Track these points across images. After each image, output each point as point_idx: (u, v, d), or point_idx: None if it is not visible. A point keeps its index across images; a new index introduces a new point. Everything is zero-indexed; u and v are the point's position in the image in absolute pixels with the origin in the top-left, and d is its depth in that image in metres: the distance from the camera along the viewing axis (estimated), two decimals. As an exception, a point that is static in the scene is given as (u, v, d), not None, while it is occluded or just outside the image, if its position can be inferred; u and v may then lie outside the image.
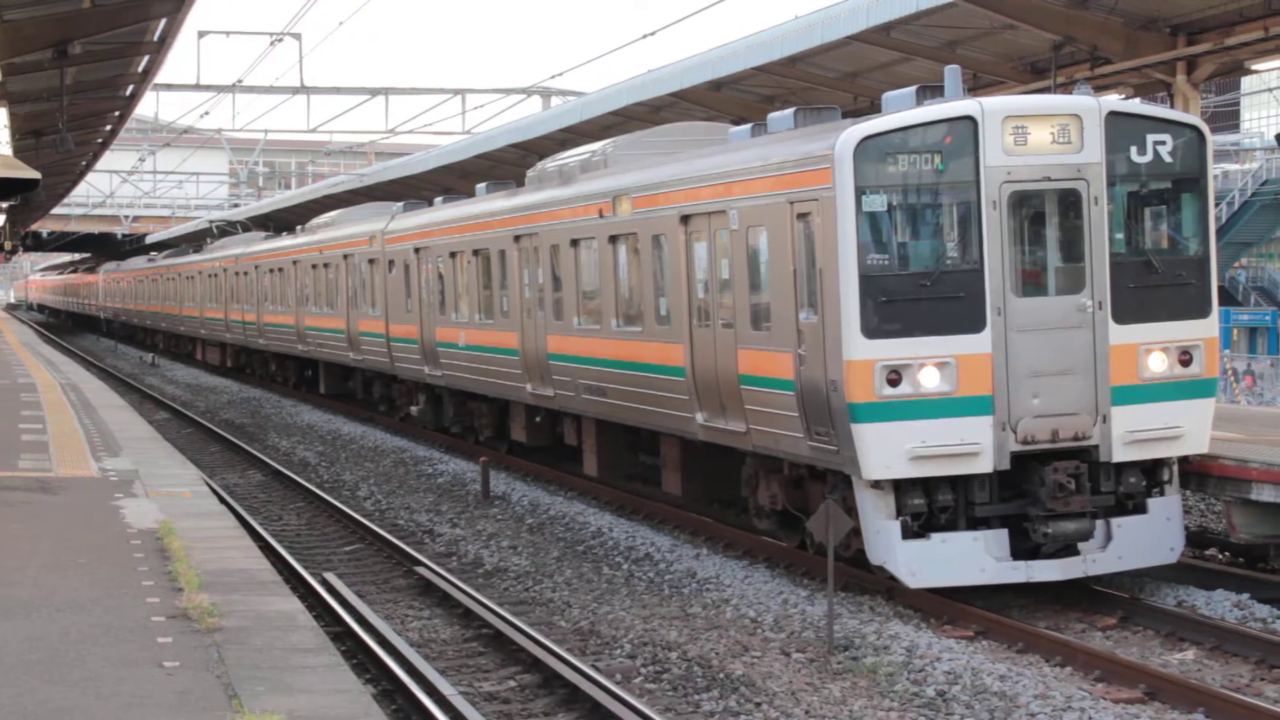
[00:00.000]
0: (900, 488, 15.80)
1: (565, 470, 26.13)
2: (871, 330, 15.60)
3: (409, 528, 22.55)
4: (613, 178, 21.87)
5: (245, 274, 49.64)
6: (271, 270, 45.70)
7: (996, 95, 22.83)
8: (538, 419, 26.20)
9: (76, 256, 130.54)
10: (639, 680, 13.88)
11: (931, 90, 16.50)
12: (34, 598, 12.74)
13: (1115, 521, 16.14)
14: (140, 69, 29.85)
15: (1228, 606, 15.86)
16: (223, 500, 21.68)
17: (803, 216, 16.41)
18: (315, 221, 43.92)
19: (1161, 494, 16.51)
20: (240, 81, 48.90)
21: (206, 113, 51.49)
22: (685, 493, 21.40)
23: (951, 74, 16.60)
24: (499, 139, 40.67)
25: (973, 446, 15.67)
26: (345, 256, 36.87)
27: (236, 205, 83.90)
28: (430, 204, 33.41)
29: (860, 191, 15.61)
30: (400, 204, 35.80)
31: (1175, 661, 14.39)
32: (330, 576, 17.99)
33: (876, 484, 15.80)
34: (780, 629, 15.56)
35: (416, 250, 30.91)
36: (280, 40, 44.16)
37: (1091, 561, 15.99)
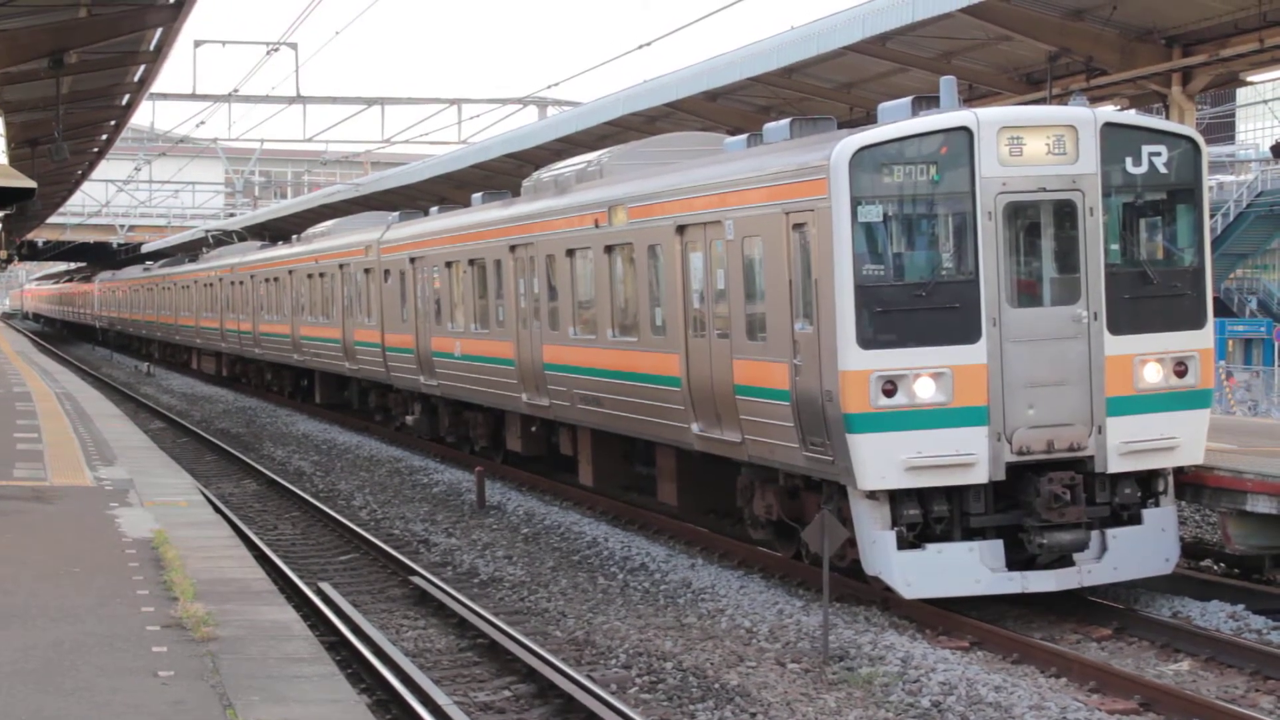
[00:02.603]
0: (895, 498, 15.80)
1: (561, 480, 26.12)
2: (867, 341, 15.60)
3: (404, 537, 22.54)
4: (608, 188, 21.88)
5: (241, 283, 49.64)
6: (267, 280, 45.70)
7: (992, 106, 22.86)
8: (533, 429, 26.19)
9: (72, 265, 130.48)
10: (634, 690, 13.87)
11: (927, 101, 16.52)
12: (28, 607, 12.73)
13: (1110, 532, 16.14)
14: (136, 78, 29.89)
15: (1223, 618, 15.85)
16: (218, 510, 21.66)
17: (798, 227, 16.42)
18: (311, 231, 43.93)
19: (1157, 505, 16.52)
20: (236, 91, 48.90)
21: (202, 122, 51.39)
22: (681, 503, 21.39)
23: (947, 85, 16.62)
24: (495, 149, 40.70)
25: (968, 457, 15.68)
26: (341, 266, 36.87)
27: (232, 215, 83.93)
28: (426, 214, 33.42)
29: (856, 202, 15.62)
30: (396, 214, 35.81)
31: (1170, 672, 14.39)
32: (325, 586, 17.97)
33: (872, 494, 15.80)
34: (775, 639, 15.55)
35: (412, 260, 30.91)
36: (276, 50, 44.16)
37: (1087, 572, 15.99)
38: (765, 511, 18.27)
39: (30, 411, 31.52)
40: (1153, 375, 16.30)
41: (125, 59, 27.35)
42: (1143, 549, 16.25)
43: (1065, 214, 16.11)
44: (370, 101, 55.42)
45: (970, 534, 15.93)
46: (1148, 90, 24.73)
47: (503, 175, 40.41)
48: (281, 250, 45.80)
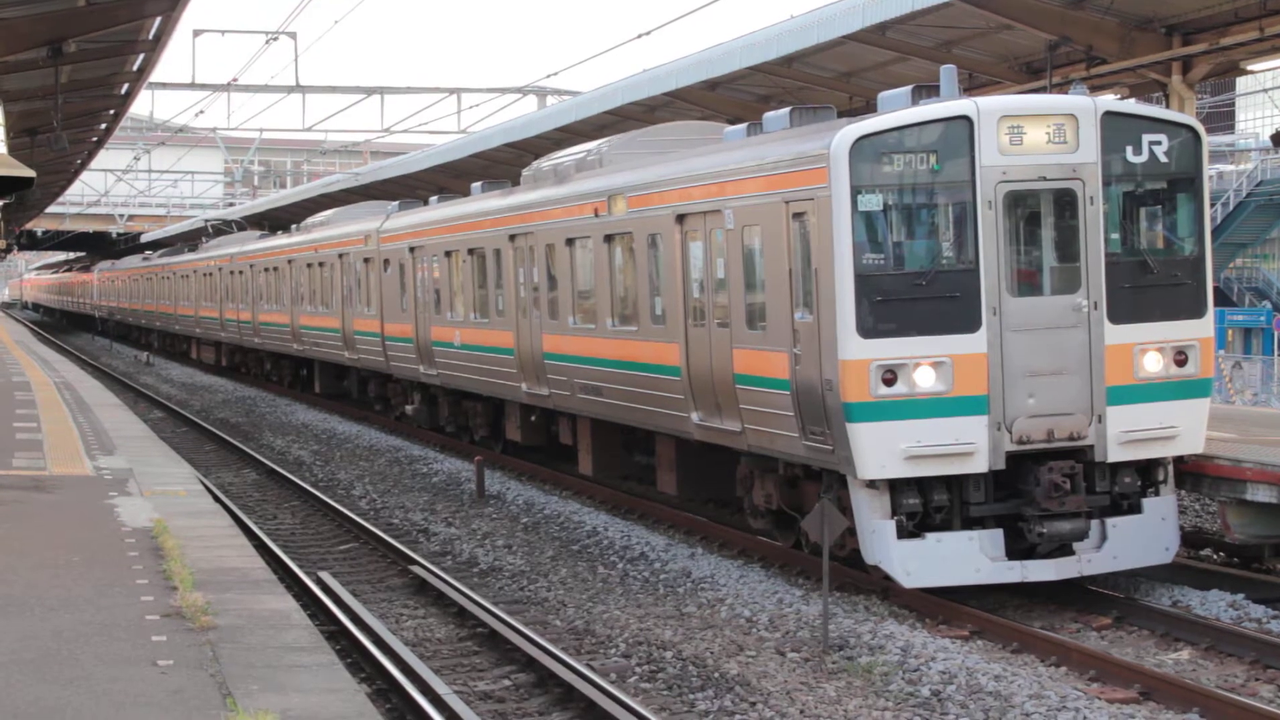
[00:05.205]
0: (895, 487, 15.80)
1: (560, 470, 26.12)
2: (867, 330, 15.59)
3: (404, 527, 22.54)
4: (608, 177, 21.86)
5: (240, 273, 49.62)
6: (266, 269, 45.67)
7: (992, 95, 22.82)
8: (533, 418, 26.19)
9: (71, 255, 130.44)
10: (634, 679, 13.87)
11: (927, 90, 16.50)
12: (27, 596, 12.72)
13: (1110, 521, 16.14)
14: (135, 67, 29.82)
15: (1222, 607, 15.86)
16: (217, 499, 21.65)
17: (798, 216, 16.41)
18: (310, 220, 43.90)
19: (1156, 494, 16.51)
20: (235, 80, 48.90)
21: (201, 111, 51.50)
22: (680, 492, 21.39)
23: (947, 74, 16.59)
24: (494, 138, 40.66)
25: (968, 446, 15.67)
26: (340, 255, 36.85)
27: (231, 204, 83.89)
28: (425, 203, 33.40)
29: (856, 191, 15.60)
30: (395, 203, 35.79)
31: (1170, 661, 14.40)
32: (325, 575, 17.97)
33: (871, 483, 15.79)
34: (775, 628, 15.55)
35: (411, 249, 30.89)
36: (275, 39, 44.18)
37: (1086, 561, 15.99)
38: (765, 501, 18.26)
39: (29, 401, 31.51)
40: (1153, 364, 16.29)
41: (124, 48, 27.28)
42: (1142, 538, 16.25)
43: (1065, 203, 16.10)
44: (369, 91, 55.41)
45: (970, 523, 15.92)
46: (1148, 79, 24.70)
47: (502, 165, 40.38)
48: (281, 240, 45.78)
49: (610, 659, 14.59)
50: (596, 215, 21.72)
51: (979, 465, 15.74)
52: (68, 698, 9.77)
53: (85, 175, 63.67)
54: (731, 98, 30.38)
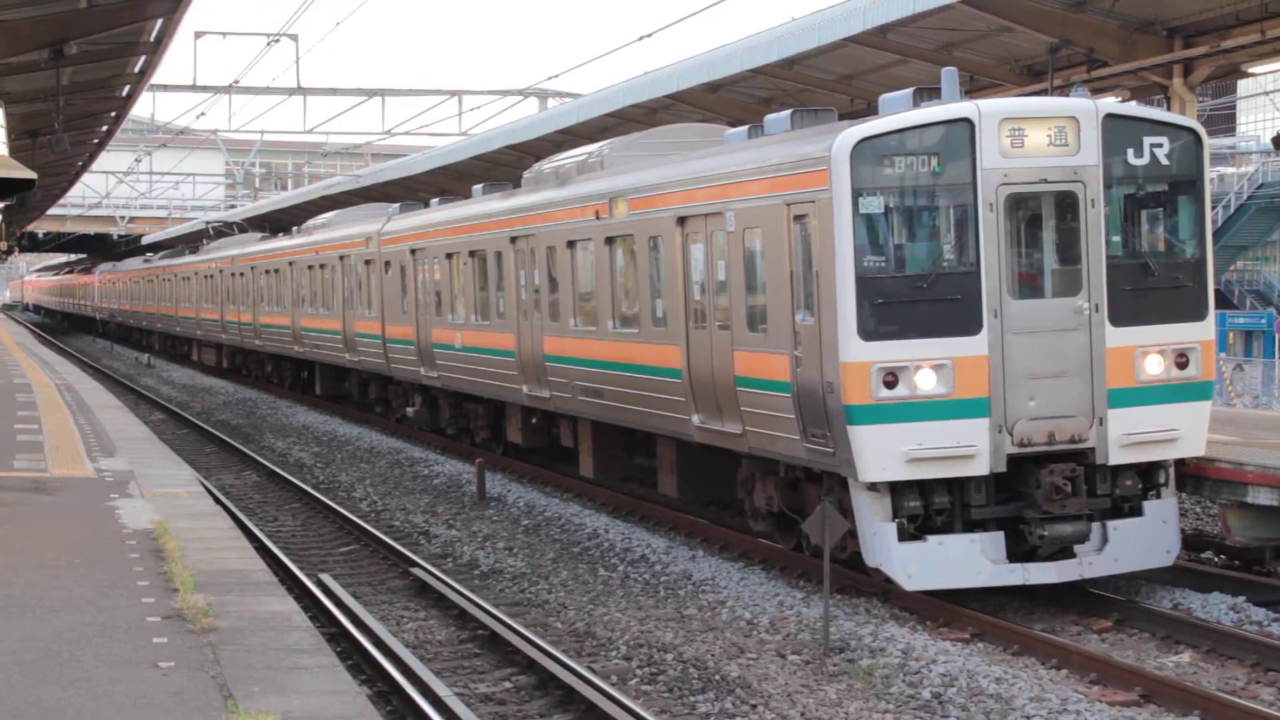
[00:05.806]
0: (896, 490, 15.79)
1: (561, 472, 26.12)
2: (868, 332, 15.59)
3: (405, 529, 22.54)
4: (609, 179, 21.86)
5: (241, 275, 49.63)
6: (267, 271, 45.68)
7: (993, 98, 22.81)
8: (534, 420, 26.18)
9: (72, 257, 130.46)
10: (635, 682, 13.87)
11: (928, 92, 16.50)
12: (28, 597, 12.72)
13: (1111, 524, 16.14)
14: (136, 69, 29.84)
15: (1224, 609, 15.86)
16: (218, 501, 21.65)
17: (799, 218, 16.41)
18: (311, 223, 43.91)
19: (1158, 496, 16.52)
20: (237, 82, 48.96)
21: (203, 113, 51.61)
22: (681, 494, 21.39)
23: (948, 76, 16.60)
24: (495, 140, 40.64)
25: (969, 449, 15.67)
26: (341, 258, 36.85)
27: (233, 206, 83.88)
28: (426, 205, 33.39)
29: (857, 193, 15.60)
30: (396, 205, 35.79)
31: (1171, 664, 14.39)
32: (326, 577, 17.97)
33: (873, 486, 15.79)
34: (776, 631, 15.55)
35: (413, 251, 30.89)
36: (277, 41, 44.23)
37: (1087, 564, 15.99)
38: (766, 503, 18.26)
39: (30, 403, 31.52)
40: (1154, 367, 16.29)
41: (125, 50, 27.30)
42: (1143, 541, 16.24)
43: (1066, 205, 16.10)
44: (371, 93, 55.47)
45: (971, 526, 15.92)
46: (1149, 82, 24.68)
47: (503, 167, 40.37)
48: (282, 242, 45.78)
49: (611, 661, 14.59)
50: (598, 217, 21.72)
51: (980, 468, 15.74)
52: (69, 699, 9.77)
53: (86, 177, 63.69)
54: (732, 100, 30.37)
